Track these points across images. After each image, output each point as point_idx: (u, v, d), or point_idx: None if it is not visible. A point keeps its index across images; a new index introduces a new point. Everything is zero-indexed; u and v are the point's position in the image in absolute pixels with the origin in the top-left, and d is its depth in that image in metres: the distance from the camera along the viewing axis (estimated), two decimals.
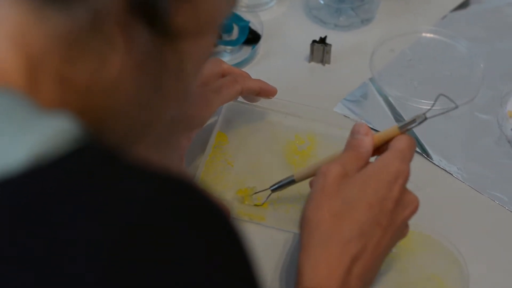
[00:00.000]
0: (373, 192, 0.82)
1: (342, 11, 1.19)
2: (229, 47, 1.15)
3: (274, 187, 0.94)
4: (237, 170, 1.01)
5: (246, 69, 1.14)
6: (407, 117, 1.07)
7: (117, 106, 0.56)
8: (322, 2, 1.19)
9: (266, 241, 0.95)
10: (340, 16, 1.19)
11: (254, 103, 1.05)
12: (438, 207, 0.98)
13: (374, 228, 0.81)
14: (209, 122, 1.01)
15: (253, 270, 0.52)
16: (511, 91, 1.09)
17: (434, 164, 1.03)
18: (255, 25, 1.17)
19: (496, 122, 1.07)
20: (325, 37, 1.14)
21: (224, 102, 0.99)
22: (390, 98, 1.10)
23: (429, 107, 0.86)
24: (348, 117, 1.08)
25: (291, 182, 0.93)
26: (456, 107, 0.87)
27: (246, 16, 1.18)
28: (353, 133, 0.88)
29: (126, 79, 0.55)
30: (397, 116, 1.08)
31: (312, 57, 1.14)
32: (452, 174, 1.02)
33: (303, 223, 0.83)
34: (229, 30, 1.16)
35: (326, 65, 1.14)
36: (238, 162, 1.02)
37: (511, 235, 0.97)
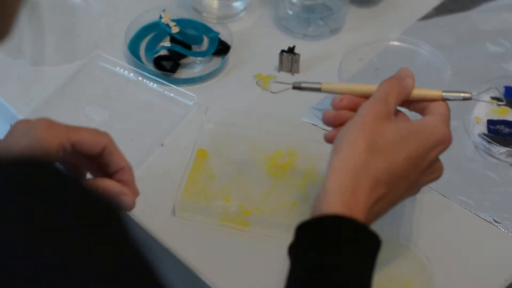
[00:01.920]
0: (415, 147, 0.83)
1: (311, 21, 1.21)
2: (199, 58, 1.16)
3: (297, 84, 0.91)
4: (219, 181, 1.03)
5: (217, 79, 1.15)
6: None
7: None
8: (291, 12, 1.20)
9: (251, 250, 0.97)
10: (309, 26, 1.21)
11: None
12: (406, 213, 0.99)
13: (402, 179, 0.82)
14: (188, 140, 1.05)
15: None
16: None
17: None
18: (224, 36, 1.19)
19: (463, 128, 1.09)
20: (294, 46, 1.15)
21: None
22: None
23: (480, 92, 0.92)
24: (317, 126, 1.09)
25: (316, 89, 0.91)
26: (504, 103, 0.95)
27: (216, 27, 1.19)
28: (397, 72, 0.89)
29: None
30: None
31: (281, 66, 1.15)
32: None
33: (337, 144, 0.82)
34: (199, 41, 1.17)
35: (295, 74, 1.15)
36: (220, 174, 1.03)
37: (477, 238, 0.99)
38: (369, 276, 0.76)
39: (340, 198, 0.78)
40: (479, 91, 0.93)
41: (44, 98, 1.09)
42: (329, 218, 0.77)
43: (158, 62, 1.15)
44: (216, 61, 1.17)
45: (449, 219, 1.00)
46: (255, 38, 1.21)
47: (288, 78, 1.15)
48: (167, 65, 1.14)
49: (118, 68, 1.13)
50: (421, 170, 0.84)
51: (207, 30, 1.19)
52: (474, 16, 1.24)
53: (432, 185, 1.02)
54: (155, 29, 1.19)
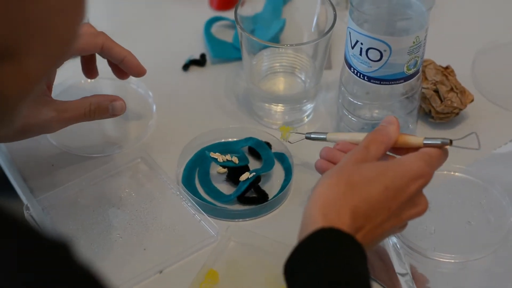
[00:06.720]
0: (392, 179, 0.86)
1: None
2: None
3: (309, 135, 1.05)
4: None
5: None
6: None
7: None
8: (349, 129, 1.13)
9: None
10: None
11: None
12: None
13: (382, 211, 0.86)
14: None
15: None
16: None
17: None
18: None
19: None
20: None
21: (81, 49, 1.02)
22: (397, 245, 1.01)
23: (459, 138, 0.93)
24: None
25: (322, 139, 1.03)
26: (479, 148, 0.91)
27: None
28: (382, 121, 0.95)
29: None
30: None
31: None
32: None
33: (318, 182, 0.87)
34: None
35: None
36: None
37: None
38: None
39: (324, 220, 0.82)
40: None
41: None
42: (324, 230, 0.82)
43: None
44: None
45: None
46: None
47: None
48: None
49: (163, 176, 1.10)
50: (402, 202, 0.87)
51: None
52: None
53: None
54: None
